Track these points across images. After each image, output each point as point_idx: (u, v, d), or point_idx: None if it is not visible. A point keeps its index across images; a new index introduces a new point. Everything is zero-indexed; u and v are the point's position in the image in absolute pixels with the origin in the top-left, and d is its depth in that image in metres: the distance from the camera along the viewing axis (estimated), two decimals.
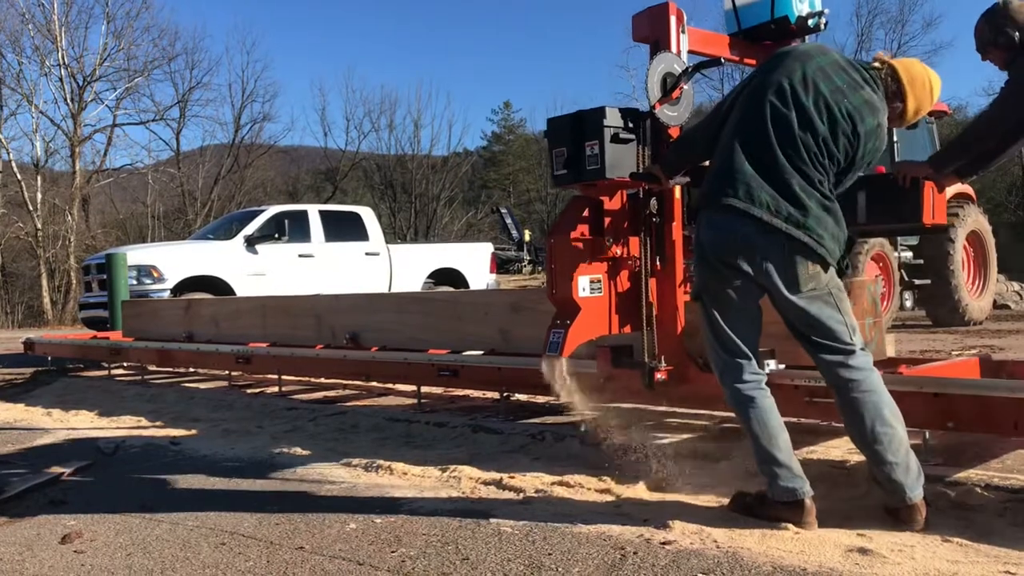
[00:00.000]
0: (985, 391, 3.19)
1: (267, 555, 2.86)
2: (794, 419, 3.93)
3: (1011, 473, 3.20)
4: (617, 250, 3.69)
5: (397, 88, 65.19)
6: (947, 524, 2.82)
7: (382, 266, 11.91)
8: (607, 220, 3.68)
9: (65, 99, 31.24)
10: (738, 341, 2.97)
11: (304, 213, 11.74)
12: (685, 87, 3.65)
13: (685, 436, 4.22)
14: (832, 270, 2.89)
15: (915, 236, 10.83)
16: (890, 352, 4.08)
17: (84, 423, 5.98)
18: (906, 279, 10.89)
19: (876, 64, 3.02)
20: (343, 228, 11.87)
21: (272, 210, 11.61)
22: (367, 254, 11.83)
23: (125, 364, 8.71)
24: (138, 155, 52.15)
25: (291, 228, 11.10)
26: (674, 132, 3.67)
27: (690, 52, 3.84)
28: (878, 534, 2.75)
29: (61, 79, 31.18)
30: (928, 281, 10.93)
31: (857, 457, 3.60)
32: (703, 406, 4.26)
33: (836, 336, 2.89)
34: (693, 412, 4.59)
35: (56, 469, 4.26)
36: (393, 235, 34.96)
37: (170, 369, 8.48)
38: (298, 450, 4.57)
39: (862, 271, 9.70)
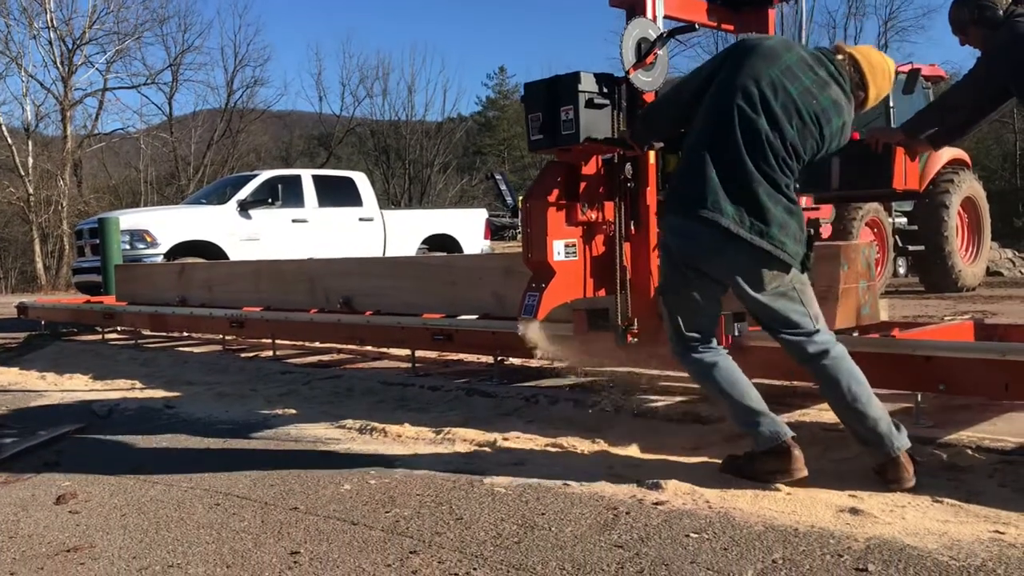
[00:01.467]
0: (976, 354, 3.21)
1: (262, 515, 2.87)
2: (787, 383, 3.97)
3: (1001, 435, 3.22)
4: (592, 215, 3.73)
5: (391, 52, 64.71)
6: (938, 485, 2.84)
7: (376, 232, 11.87)
8: (582, 185, 3.71)
9: (55, 62, 30.90)
10: (693, 333, 3.07)
11: (298, 178, 11.67)
12: (659, 52, 3.66)
13: (678, 399, 4.24)
14: (795, 270, 2.93)
15: (908, 202, 10.83)
16: (883, 316, 4.09)
17: (78, 386, 5.98)
18: (900, 245, 10.91)
19: (839, 56, 3.03)
20: (337, 193, 11.81)
21: (265, 175, 11.54)
22: (361, 219, 11.78)
23: (119, 328, 8.70)
24: (130, 119, 51.71)
25: (285, 193, 11.04)
26: (648, 97, 3.68)
27: (666, 17, 3.84)
28: (869, 495, 2.77)
29: (50, 42, 30.82)
30: (922, 247, 10.94)
31: None
32: (673, 366, 4.23)
33: (798, 325, 2.95)
34: (686, 375, 4.60)
35: (51, 431, 4.27)
36: (387, 201, 34.84)
37: (164, 333, 8.48)
38: (293, 413, 4.58)
39: (856, 237, 9.71)
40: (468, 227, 12.70)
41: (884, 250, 10.43)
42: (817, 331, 2.95)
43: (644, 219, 3.78)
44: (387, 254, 11.62)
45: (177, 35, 36.76)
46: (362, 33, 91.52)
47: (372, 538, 2.60)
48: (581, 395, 4.37)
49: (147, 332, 8.46)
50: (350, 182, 12.16)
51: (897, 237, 10.81)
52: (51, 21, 30.63)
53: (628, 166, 3.70)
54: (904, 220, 11.03)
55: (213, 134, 35.82)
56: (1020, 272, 17.27)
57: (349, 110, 39.95)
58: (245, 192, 11.00)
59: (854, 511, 2.61)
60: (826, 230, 9.82)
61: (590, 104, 3.50)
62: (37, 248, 29.03)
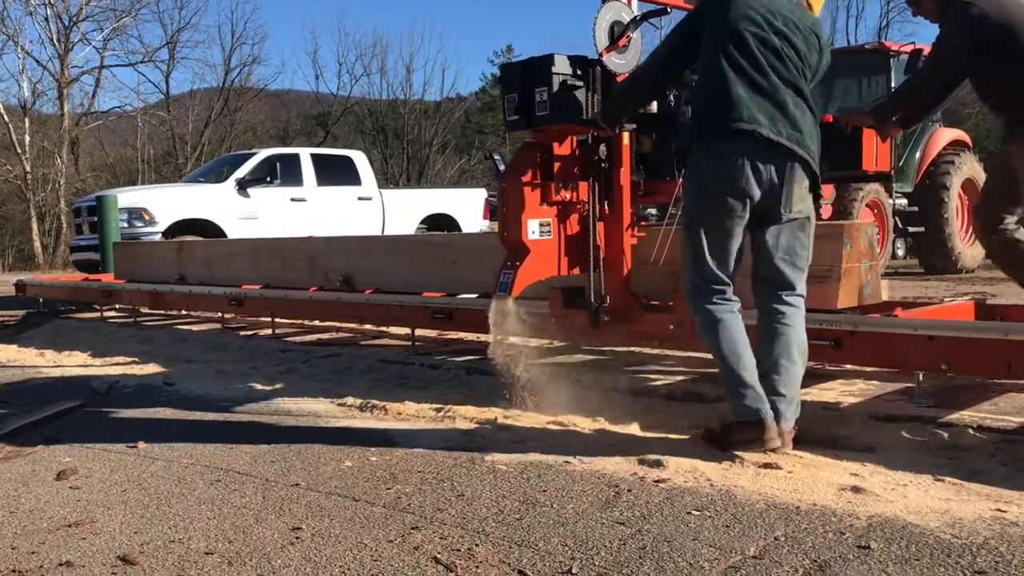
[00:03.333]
0: (979, 333, 3.20)
1: (263, 491, 2.87)
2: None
3: (1003, 415, 3.23)
4: (567, 194, 3.81)
5: (389, 31, 64.38)
6: (939, 464, 2.85)
7: (375, 211, 11.83)
8: (556, 165, 3.79)
9: (51, 39, 30.70)
10: (719, 272, 3.05)
11: (296, 156, 11.62)
12: (632, 35, 3.75)
13: (678, 378, 4.24)
14: (810, 199, 3.06)
15: (908, 183, 10.80)
16: (885, 296, 4.09)
17: (77, 363, 5.97)
18: (900, 226, 10.88)
19: None
20: (335, 172, 11.76)
21: (264, 153, 11.49)
22: (360, 199, 11.74)
23: (117, 306, 8.69)
24: (127, 97, 51.47)
25: (283, 171, 10.99)
26: (622, 79, 3.76)
27: (642, 0, 3.93)
28: (871, 474, 2.77)
29: (47, 19, 30.60)
30: (922, 229, 10.92)
31: (850, 399, 3.63)
32: (647, 343, 4.46)
33: (800, 265, 3.07)
34: (686, 355, 4.60)
35: (50, 408, 4.26)
36: (386, 181, 34.64)
37: (162, 311, 8.47)
38: (292, 390, 4.58)
39: (856, 217, 9.69)
40: (467, 207, 12.66)
41: (884, 231, 10.41)
42: (800, 289, 3.09)
43: (618, 199, 3.89)
44: (386, 233, 11.60)
45: (174, 12, 36.90)
46: (357, 10, 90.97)
47: (374, 514, 2.60)
48: (582, 374, 4.36)
49: (146, 310, 8.45)
50: (349, 161, 12.12)
51: (897, 218, 10.78)
52: None
53: (603, 147, 3.80)
54: (904, 201, 10.99)
55: (210, 112, 35.63)
56: None
57: (346, 89, 39.80)
58: (243, 170, 10.95)
59: (856, 489, 2.61)
60: (826, 211, 9.81)
61: (564, 86, 3.60)
62: (35, 226, 28.95)
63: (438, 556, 2.25)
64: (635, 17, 3.79)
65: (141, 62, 34.01)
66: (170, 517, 2.65)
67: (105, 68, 32.97)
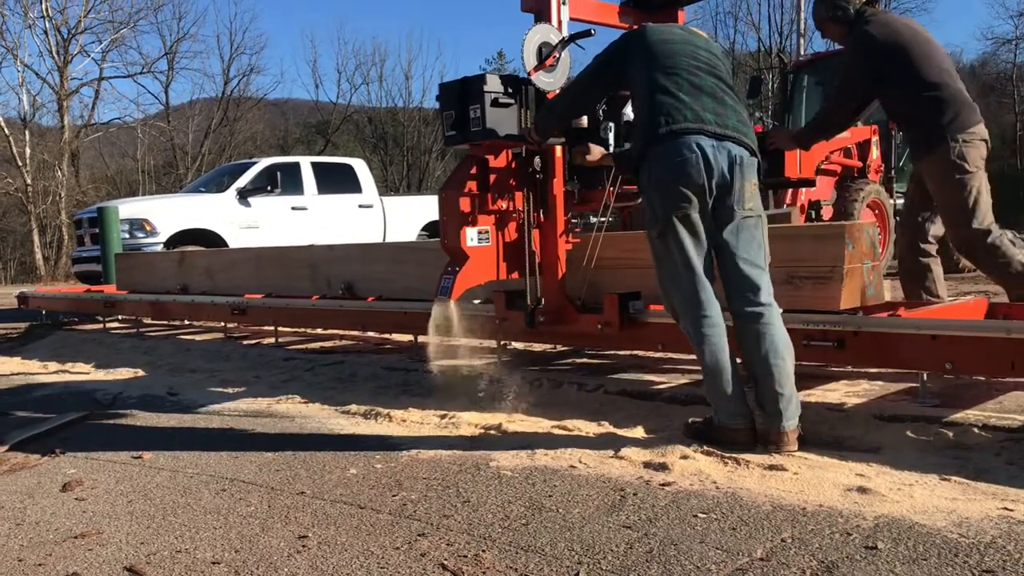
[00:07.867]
0: (982, 332, 3.19)
1: (268, 500, 2.87)
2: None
3: (1008, 413, 3.22)
4: (503, 204, 4.03)
5: (387, 39, 64.50)
6: (945, 463, 2.84)
7: (376, 218, 11.83)
8: (493, 177, 4.01)
9: (50, 52, 30.79)
10: (700, 275, 3.07)
11: (296, 165, 11.62)
12: (559, 55, 3.95)
13: (682, 380, 4.24)
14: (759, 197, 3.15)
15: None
16: (887, 296, 4.09)
17: (81, 375, 5.98)
18: None
19: None
20: (336, 180, 11.76)
21: (264, 162, 11.49)
22: (360, 206, 11.74)
23: (120, 317, 8.69)
24: (127, 109, 51.51)
25: (283, 180, 10.99)
26: (553, 96, 3.96)
27: (574, 20, 4.15)
28: (876, 474, 2.77)
29: (45, 31, 30.69)
30: None
31: (855, 400, 3.63)
32: (579, 343, 4.67)
33: (760, 263, 3.08)
34: (689, 357, 4.60)
35: (55, 419, 4.27)
36: (386, 188, 34.73)
37: (165, 322, 8.48)
38: (296, 399, 4.58)
39: (858, 218, 9.68)
40: None
41: (886, 232, 10.40)
42: (764, 281, 3.10)
43: (552, 208, 4.11)
44: (387, 240, 11.60)
45: (172, 23, 36.95)
46: (356, 19, 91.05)
47: (380, 521, 2.60)
48: (584, 378, 4.36)
49: (148, 320, 8.46)
50: (349, 169, 12.12)
51: (899, 218, 10.76)
52: (46, 11, 30.52)
53: (536, 159, 4.04)
54: None
55: (210, 123, 35.72)
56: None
57: (346, 97, 39.87)
58: (244, 180, 10.96)
59: (862, 490, 2.61)
60: (827, 212, 9.81)
61: (495, 103, 3.80)
62: (36, 239, 28.99)
63: (445, 563, 2.25)
64: (563, 38, 3.96)
65: (140, 73, 34.18)
66: (176, 527, 2.65)
67: (104, 80, 33.08)
